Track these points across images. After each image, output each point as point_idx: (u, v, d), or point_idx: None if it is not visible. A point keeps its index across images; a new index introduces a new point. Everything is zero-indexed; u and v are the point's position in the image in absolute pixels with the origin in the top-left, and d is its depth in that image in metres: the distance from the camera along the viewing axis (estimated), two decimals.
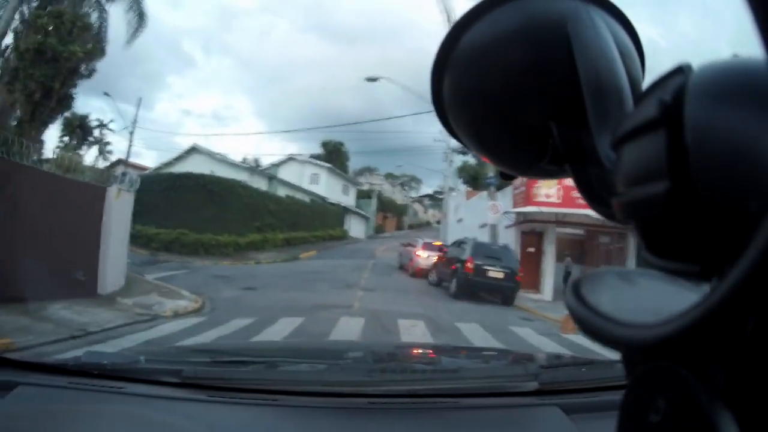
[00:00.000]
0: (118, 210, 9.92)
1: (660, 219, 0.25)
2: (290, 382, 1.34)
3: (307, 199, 30.84)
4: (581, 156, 0.36)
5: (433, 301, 12.25)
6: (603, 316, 0.26)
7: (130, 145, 24.18)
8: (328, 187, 37.11)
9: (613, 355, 0.29)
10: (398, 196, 60.06)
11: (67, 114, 19.27)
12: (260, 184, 26.51)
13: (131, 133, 24.14)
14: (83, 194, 9.20)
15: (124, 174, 11.78)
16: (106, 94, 24.73)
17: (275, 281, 13.30)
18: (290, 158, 37.50)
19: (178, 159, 28.71)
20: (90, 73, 14.91)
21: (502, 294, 13.20)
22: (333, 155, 43.81)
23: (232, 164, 27.64)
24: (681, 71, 0.25)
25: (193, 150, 29.22)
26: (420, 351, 2.46)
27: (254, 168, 29.42)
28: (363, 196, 46.70)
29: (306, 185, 33.62)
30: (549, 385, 1.31)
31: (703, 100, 0.23)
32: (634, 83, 0.37)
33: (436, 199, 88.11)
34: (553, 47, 0.36)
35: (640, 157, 0.26)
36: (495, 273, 13.01)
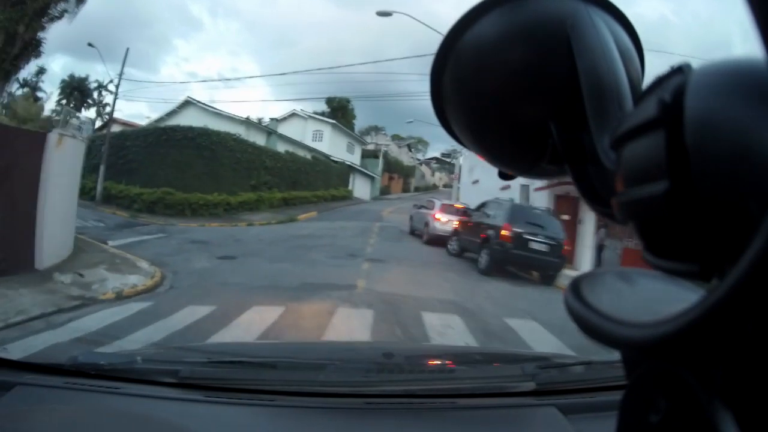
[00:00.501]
0: (62, 162, 7.67)
1: (660, 219, 0.25)
2: (287, 383, 1.33)
3: (308, 156, 28.39)
4: (581, 156, 0.36)
5: (460, 278, 9.74)
6: (603, 316, 0.26)
7: (115, 99, 21.61)
8: (331, 144, 34.53)
9: (612, 355, 0.29)
10: (405, 158, 57.34)
11: (65, 77, 17.84)
12: (258, 139, 24.13)
13: (117, 86, 21.57)
14: (16, 143, 6.96)
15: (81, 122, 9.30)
16: (90, 44, 21.86)
17: (262, 248, 11.17)
18: (293, 114, 34.94)
19: (172, 114, 26.41)
20: (61, 14, 12.40)
21: (544, 270, 10.54)
22: (338, 113, 40.97)
23: (229, 117, 25.05)
24: (680, 71, 0.25)
25: (188, 103, 26.85)
26: (417, 351, 2.27)
27: (251, 122, 26.73)
28: (369, 155, 44.20)
29: (309, 143, 31.25)
30: (546, 385, 1.30)
31: (703, 99, 0.23)
32: (634, 83, 0.37)
33: (443, 162, 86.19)
34: (553, 47, 0.36)
35: (640, 157, 0.26)
36: (538, 245, 10.27)
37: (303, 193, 24.76)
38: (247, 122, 25.72)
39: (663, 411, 0.23)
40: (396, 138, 58.51)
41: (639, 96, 0.29)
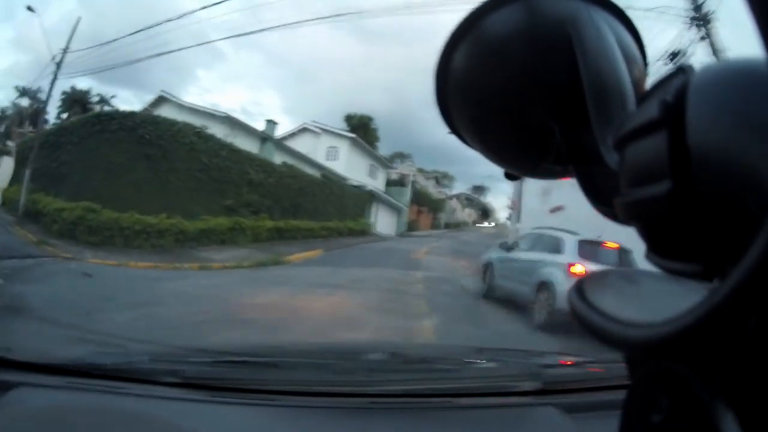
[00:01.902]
0: None
1: (662, 219, 0.25)
2: (291, 383, 1.34)
3: (317, 174, 21.41)
4: (584, 156, 0.36)
5: None
6: (606, 316, 0.26)
7: (52, 84, 15.21)
8: (349, 164, 27.05)
9: (613, 355, 0.30)
10: (432, 191, 49.74)
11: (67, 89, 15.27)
12: (248, 146, 17.52)
13: (59, 64, 15.23)
14: None
15: None
16: (29, 8, 16.78)
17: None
18: (303, 129, 28.36)
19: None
20: None
21: None
22: (359, 132, 33.68)
23: (209, 114, 17.96)
24: (683, 72, 0.26)
25: (162, 99, 20.82)
26: (420, 351, 2.29)
27: (237, 121, 19.44)
28: (394, 183, 36.63)
29: (322, 162, 24.47)
30: (549, 384, 1.30)
31: (705, 100, 0.24)
32: (637, 84, 0.37)
33: (471, 199, 78.45)
34: (556, 48, 0.36)
35: (643, 157, 0.26)
36: None
37: (306, 223, 17.73)
38: (230, 121, 18.32)
39: (665, 410, 0.23)
40: (420, 171, 51.01)
41: (641, 97, 0.29)
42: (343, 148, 27.23)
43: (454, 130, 0.44)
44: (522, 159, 0.42)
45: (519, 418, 1.24)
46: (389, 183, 35.80)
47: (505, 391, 1.32)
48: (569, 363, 1.62)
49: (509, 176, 0.46)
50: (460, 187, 69.51)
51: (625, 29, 0.40)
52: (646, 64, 0.41)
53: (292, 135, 27.18)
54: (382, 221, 28.48)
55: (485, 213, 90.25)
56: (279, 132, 25.71)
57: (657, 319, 0.22)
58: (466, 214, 63.26)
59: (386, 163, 35.20)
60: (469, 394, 1.29)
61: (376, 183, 30.68)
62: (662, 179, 0.24)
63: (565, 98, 0.36)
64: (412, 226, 36.85)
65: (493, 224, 79.06)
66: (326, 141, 27.49)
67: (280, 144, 20.69)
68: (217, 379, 1.26)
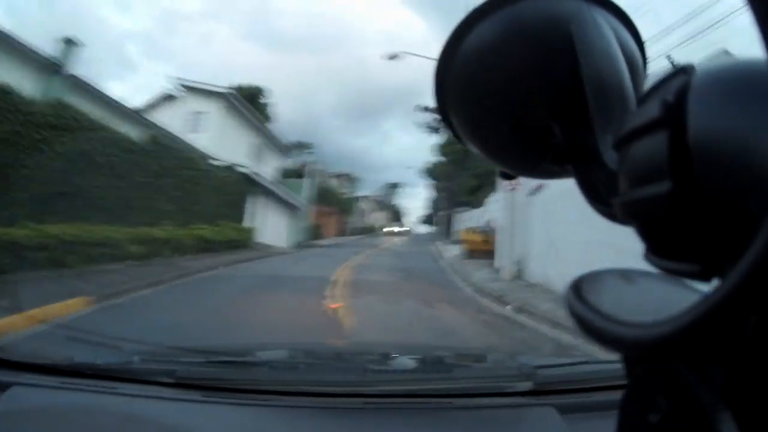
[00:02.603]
0: None
1: (662, 219, 0.26)
2: (285, 383, 1.39)
3: (143, 135, 13.75)
4: (584, 156, 0.37)
5: None
6: (604, 316, 0.27)
7: None
8: (222, 137, 18.51)
9: (609, 355, 0.31)
10: (339, 185, 41.70)
11: None
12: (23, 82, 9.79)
13: None
14: None
15: None
16: None
17: None
18: (168, 97, 19.94)
19: None
20: None
21: None
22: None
23: None
24: (683, 71, 0.27)
25: None
26: (415, 351, 2.31)
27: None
28: (291, 174, 29.64)
29: (187, 137, 16.80)
30: (544, 384, 1.35)
31: (706, 100, 0.24)
32: (637, 83, 0.39)
33: (382, 202, 71.64)
34: (556, 47, 0.38)
35: (643, 157, 0.27)
36: None
37: (99, 229, 9.71)
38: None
39: (663, 411, 0.24)
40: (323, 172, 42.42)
41: (642, 96, 0.30)
42: (214, 113, 17.90)
43: (453, 129, 0.45)
44: (521, 159, 0.43)
45: (514, 419, 1.26)
46: (285, 174, 26.69)
47: (501, 392, 1.36)
48: (566, 363, 1.68)
49: (505, 175, 0.46)
50: (367, 190, 62.37)
51: (625, 28, 0.41)
52: (646, 63, 0.42)
53: (152, 107, 19.45)
54: (271, 226, 19.60)
55: (397, 216, 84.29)
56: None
57: (655, 319, 0.23)
58: (376, 218, 55.40)
59: (279, 142, 25.85)
60: (465, 395, 1.33)
61: (266, 169, 22.01)
62: (662, 179, 0.25)
63: (566, 98, 0.37)
64: (315, 233, 27.72)
65: (405, 228, 73.22)
66: (192, 104, 18.28)
67: (79, 83, 10.89)
68: (210, 379, 1.34)
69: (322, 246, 25.20)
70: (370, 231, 48.76)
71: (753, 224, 0.20)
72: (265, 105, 30.37)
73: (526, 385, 1.31)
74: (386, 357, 1.73)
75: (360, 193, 60.19)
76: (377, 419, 1.21)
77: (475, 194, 33.33)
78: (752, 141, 0.22)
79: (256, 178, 19.41)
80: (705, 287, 0.24)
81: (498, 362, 1.92)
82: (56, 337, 3.81)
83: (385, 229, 52.62)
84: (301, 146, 40.16)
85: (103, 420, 1.11)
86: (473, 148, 0.45)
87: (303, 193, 27.07)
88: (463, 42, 0.40)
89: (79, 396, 1.18)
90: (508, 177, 0.47)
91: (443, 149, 37.40)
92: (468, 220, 30.18)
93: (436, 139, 39.56)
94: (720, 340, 0.22)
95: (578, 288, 0.30)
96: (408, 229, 74.33)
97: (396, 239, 39.88)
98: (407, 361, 1.77)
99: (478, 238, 17.55)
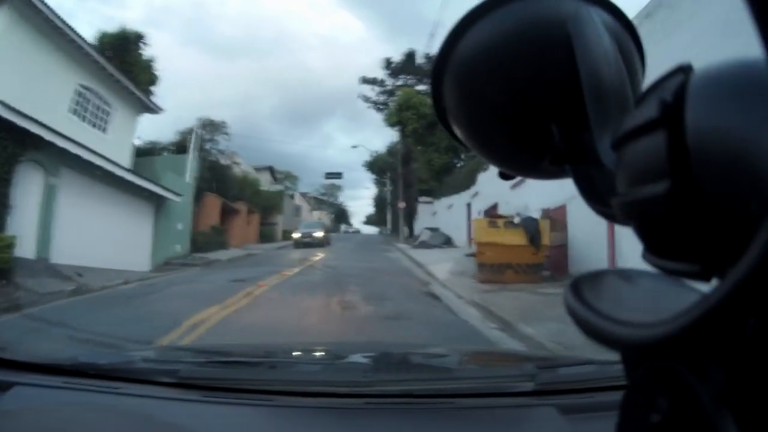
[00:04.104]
0: None
1: (660, 219, 0.26)
2: (286, 383, 1.40)
3: None
4: (582, 156, 0.38)
5: None
6: (603, 316, 0.27)
7: None
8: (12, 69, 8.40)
9: (611, 355, 0.32)
10: (265, 183, 32.78)
11: None
12: None
13: None
14: None
15: None
16: None
17: None
18: None
19: None
20: None
21: None
22: (114, 62, 17.47)
23: None
24: (681, 71, 0.27)
25: None
26: (416, 351, 2.35)
27: None
28: (178, 149, 21.84)
29: None
30: (546, 385, 1.35)
31: (704, 100, 0.25)
32: (635, 83, 0.40)
33: (322, 200, 63.71)
34: (554, 48, 0.38)
35: (641, 157, 0.27)
36: None
37: None
38: None
39: (664, 411, 0.24)
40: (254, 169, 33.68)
41: (640, 96, 0.30)
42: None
43: (453, 133, 0.46)
44: (520, 160, 0.43)
45: (516, 419, 1.26)
46: (152, 150, 17.81)
47: (502, 392, 1.35)
48: (567, 364, 1.70)
49: (504, 176, 0.47)
50: (307, 188, 53.97)
51: (624, 28, 0.41)
52: (644, 63, 0.42)
53: None
54: (100, 229, 10.63)
55: (340, 216, 75.10)
56: None
57: (655, 319, 0.23)
58: (316, 218, 46.40)
59: (136, 92, 16.60)
60: (466, 395, 1.32)
61: (108, 137, 12.20)
62: (661, 179, 0.25)
63: (564, 98, 0.38)
64: (210, 240, 18.58)
65: (353, 230, 64.75)
66: None
67: None
68: (212, 379, 1.34)
69: (209, 263, 16.28)
70: (308, 237, 35.05)
71: (752, 224, 0.21)
72: (142, 56, 20.79)
73: (528, 386, 1.30)
74: (387, 357, 1.77)
75: (297, 190, 51.32)
76: (378, 419, 1.21)
77: (444, 176, 28.02)
78: (751, 140, 0.22)
79: (54, 140, 10.47)
80: (704, 287, 0.24)
81: (499, 362, 1.97)
82: (58, 337, 4.02)
83: (296, 235, 24.75)
84: (212, 125, 25.13)
85: (105, 420, 1.11)
86: (472, 149, 0.44)
87: (184, 175, 18.69)
88: (461, 43, 0.40)
89: (81, 396, 1.19)
90: (507, 177, 0.46)
91: (390, 119, 31.59)
92: (446, 211, 24.18)
93: (382, 116, 35.20)
94: (720, 340, 0.22)
95: (577, 288, 0.30)
96: (357, 229, 66.22)
97: (338, 245, 27.08)
98: (408, 361, 1.80)
99: (516, 238, 9.40)
